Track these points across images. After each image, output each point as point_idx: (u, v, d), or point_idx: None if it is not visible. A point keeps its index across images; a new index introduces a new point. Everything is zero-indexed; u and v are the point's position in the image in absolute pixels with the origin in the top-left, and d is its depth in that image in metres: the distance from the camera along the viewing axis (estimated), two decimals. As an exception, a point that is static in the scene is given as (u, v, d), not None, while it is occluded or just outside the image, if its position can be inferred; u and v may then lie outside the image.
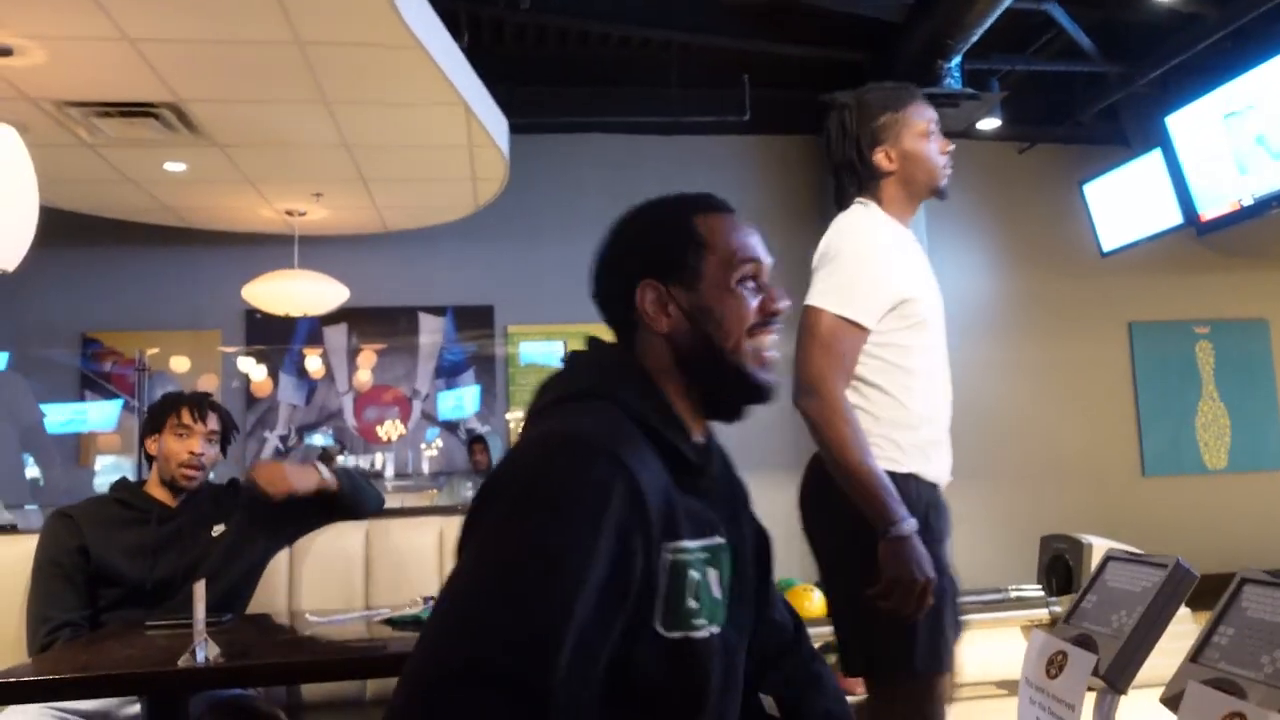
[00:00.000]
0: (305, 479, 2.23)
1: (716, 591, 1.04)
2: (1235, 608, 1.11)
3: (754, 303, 1.14)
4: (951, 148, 2.00)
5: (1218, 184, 5.45)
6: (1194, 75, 5.56)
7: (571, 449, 0.96)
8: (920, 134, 1.95)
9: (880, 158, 1.94)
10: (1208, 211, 5.51)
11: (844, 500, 1.77)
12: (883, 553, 1.69)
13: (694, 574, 1.00)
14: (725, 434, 1.29)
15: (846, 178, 2.00)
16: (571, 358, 1.17)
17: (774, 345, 1.16)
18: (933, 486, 1.90)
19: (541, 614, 0.86)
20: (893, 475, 1.78)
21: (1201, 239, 5.98)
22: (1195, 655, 1.15)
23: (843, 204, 1.99)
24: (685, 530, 1.01)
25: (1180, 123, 5.52)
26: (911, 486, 1.82)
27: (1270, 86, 4.98)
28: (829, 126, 2.02)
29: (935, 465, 1.92)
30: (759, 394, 1.15)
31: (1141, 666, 1.52)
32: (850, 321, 1.80)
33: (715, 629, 1.02)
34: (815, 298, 1.84)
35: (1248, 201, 5.29)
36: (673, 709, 0.99)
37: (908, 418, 1.87)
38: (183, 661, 1.61)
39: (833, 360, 1.79)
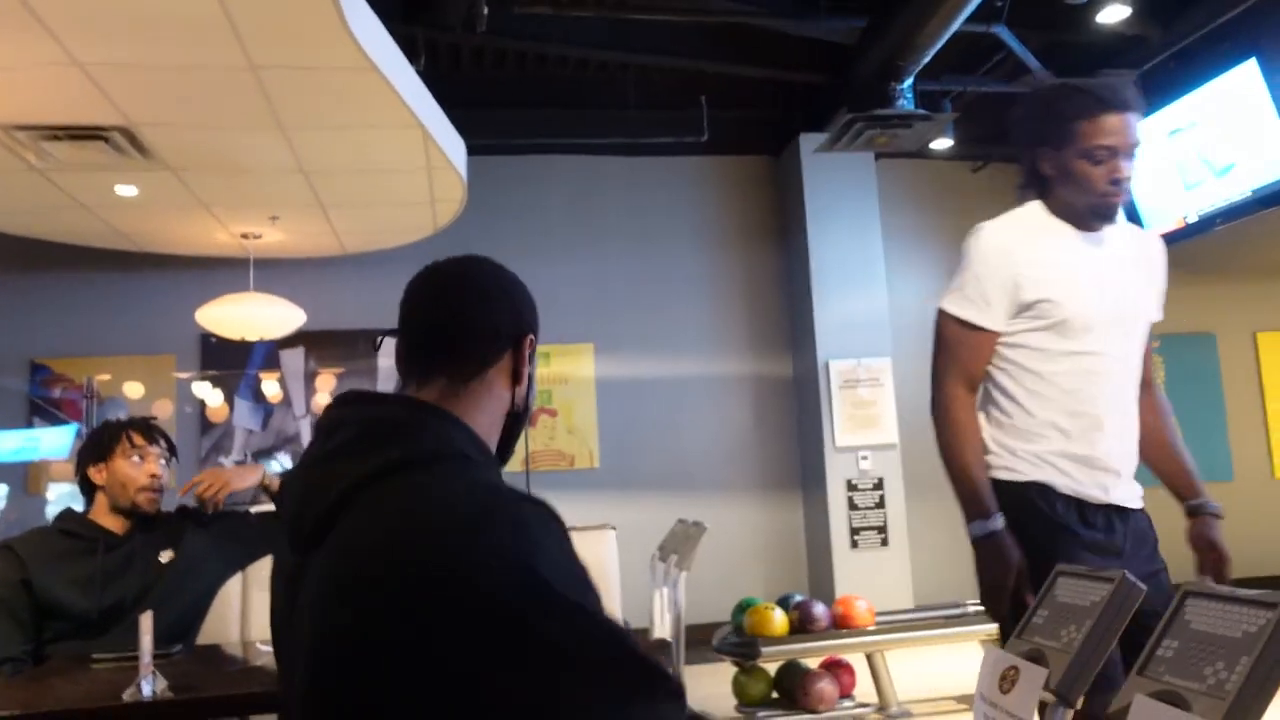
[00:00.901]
0: (247, 477, 2.21)
1: None
2: (1179, 620, 1.13)
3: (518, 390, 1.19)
4: (1122, 175, 1.83)
5: (1164, 200, 5.59)
6: (1139, 95, 5.69)
7: (507, 501, 0.95)
8: (1085, 151, 1.82)
9: (1045, 165, 1.88)
10: (1155, 227, 5.64)
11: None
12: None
13: None
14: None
15: (1024, 168, 1.94)
16: (365, 423, 1.05)
17: None
18: (1069, 500, 1.84)
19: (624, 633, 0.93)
20: (1012, 484, 1.81)
21: (1150, 255, 6.10)
22: (1141, 668, 1.15)
23: (1020, 193, 1.96)
24: None
25: (1126, 142, 5.65)
26: (1033, 496, 1.82)
27: (1212, 105, 5.12)
28: (1022, 107, 1.97)
29: (1076, 479, 1.84)
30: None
31: (1091, 680, 1.54)
32: (969, 324, 1.82)
33: None
34: (942, 300, 1.87)
35: (1193, 218, 5.42)
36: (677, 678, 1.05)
37: (1029, 425, 1.84)
38: (128, 696, 1.58)
39: (950, 362, 1.84)
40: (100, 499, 2.27)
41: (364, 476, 0.96)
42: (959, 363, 1.84)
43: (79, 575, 2.18)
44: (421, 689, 0.86)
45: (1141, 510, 1.92)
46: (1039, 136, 1.88)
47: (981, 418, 1.93)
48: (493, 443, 1.14)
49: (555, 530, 0.95)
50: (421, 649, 0.85)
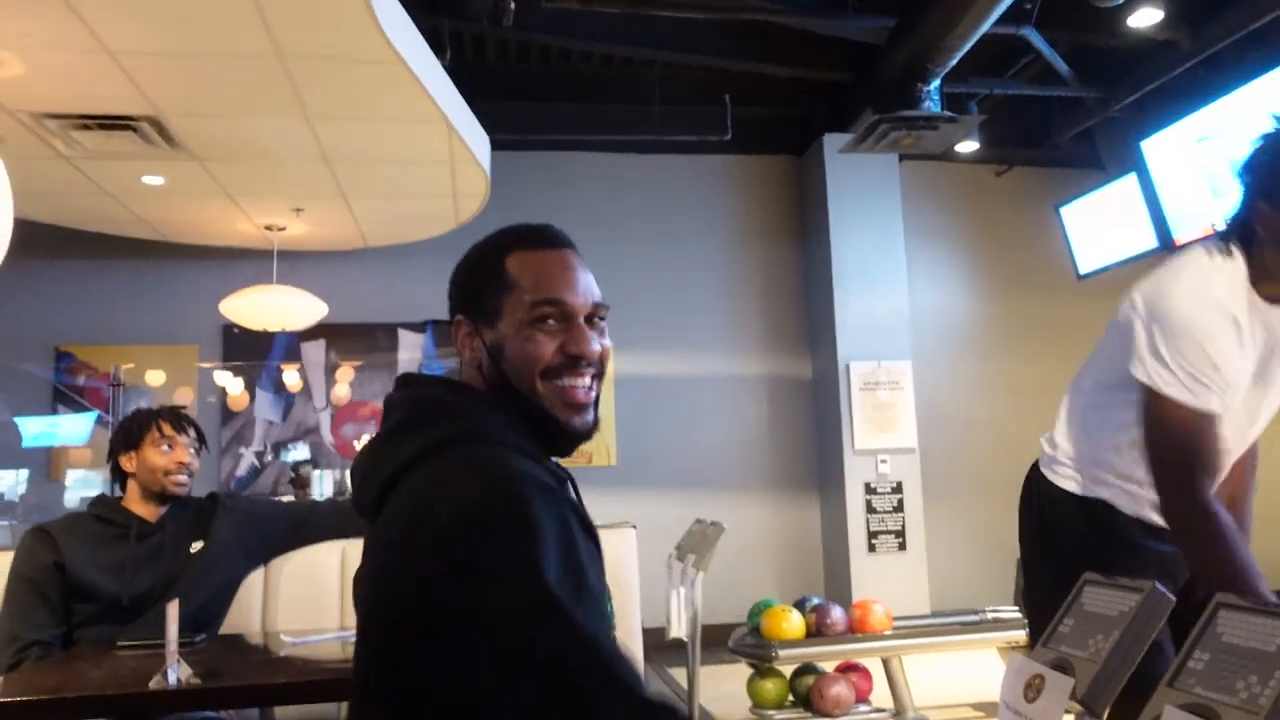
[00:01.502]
0: None
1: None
2: (1211, 633, 1.12)
3: (552, 345, 1.11)
4: None
5: (1192, 208, 5.53)
6: (1168, 100, 5.64)
7: (512, 495, 0.95)
8: None
9: (1260, 222, 1.66)
10: (1182, 235, 5.58)
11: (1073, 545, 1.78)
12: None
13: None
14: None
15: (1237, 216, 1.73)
16: (410, 406, 1.12)
17: (586, 385, 1.14)
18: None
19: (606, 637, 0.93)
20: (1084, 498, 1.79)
21: (1176, 262, 6.04)
22: (1172, 680, 1.13)
23: (1225, 232, 1.75)
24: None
25: (1155, 147, 5.59)
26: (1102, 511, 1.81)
27: (1242, 112, 5.06)
28: (1265, 151, 1.67)
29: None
30: (565, 434, 1.13)
31: (1118, 691, 1.52)
32: (1207, 414, 1.61)
33: (614, 628, 1.09)
34: (1161, 383, 1.62)
35: (1221, 225, 5.36)
36: (656, 693, 1.03)
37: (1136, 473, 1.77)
38: (154, 683, 1.59)
39: (1192, 458, 1.60)
40: (132, 486, 2.30)
41: (410, 457, 1.03)
42: (1204, 459, 1.61)
43: (111, 560, 2.21)
44: (420, 667, 0.94)
45: None
46: (1266, 190, 1.66)
47: (1077, 430, 1.88)
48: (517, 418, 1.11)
49: (560, 516, 0.96)
50: (426, 636, 0.93)
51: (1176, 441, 1.62)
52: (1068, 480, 1.90)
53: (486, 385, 1.11)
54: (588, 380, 1.13)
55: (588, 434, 1.14)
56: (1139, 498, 1.84)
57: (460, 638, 0.91)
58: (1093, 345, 2.12)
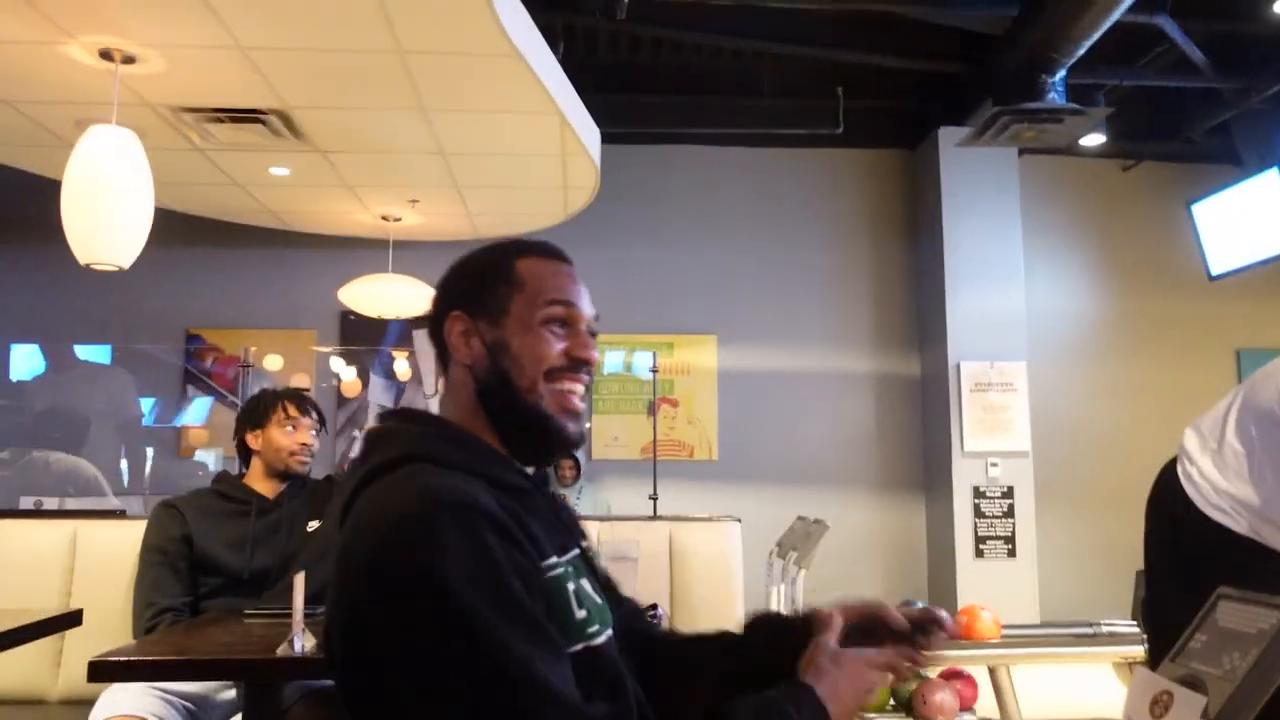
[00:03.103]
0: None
1: (596, 596, 1.09)
2: (1210, 619, 1.28)
3: (558, 346, 1.12)
4: None
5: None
6: (1315, 92, 5.30)
7: (425, 511, 0.95)
8: None
9: None
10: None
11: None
12: None
13: (571, 586, 1.04)
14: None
15: None
16: (372, 433, 1.16)
17: (580, 393, 1.14)
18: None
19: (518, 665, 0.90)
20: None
21: (1318, 264, 5.69)
22: (1174, 656, 1.32)
23: None
24: (548, 548, 1.04)
25: (1299, 141, 5.27)
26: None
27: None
28: None
29: None
30: (557, 438, 1.12)
31: (1256, 711, 1.46)
32: None
33: (608, 630, 1.07)
34: None
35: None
36: (604, 712, 0.99)
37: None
38: (281, 651, 1.66)
39: None
40: (256, 463, 2.40)
41: (357, 483, 1.06)
42: None
43: (233, 536, 2.31)
44: (349, 668, 0.98)
45: None
46: None
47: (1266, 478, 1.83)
48: (480, 427, 1.11)
49: (471, 530, 0.94)
50: (350, 636, 0.96)
51: None
52: (1224, 516, 1.83)
53: (477, 385, 1.12)
54: (581, 388, 1.14)
55: (577, 443, 1.15)
56: None
57: (379, 661, 0.93)
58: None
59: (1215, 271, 6.05)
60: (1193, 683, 1.62)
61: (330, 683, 2.17)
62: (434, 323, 1.17)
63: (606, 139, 5.02)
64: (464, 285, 1.16)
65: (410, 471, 1.01)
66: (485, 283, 1.14)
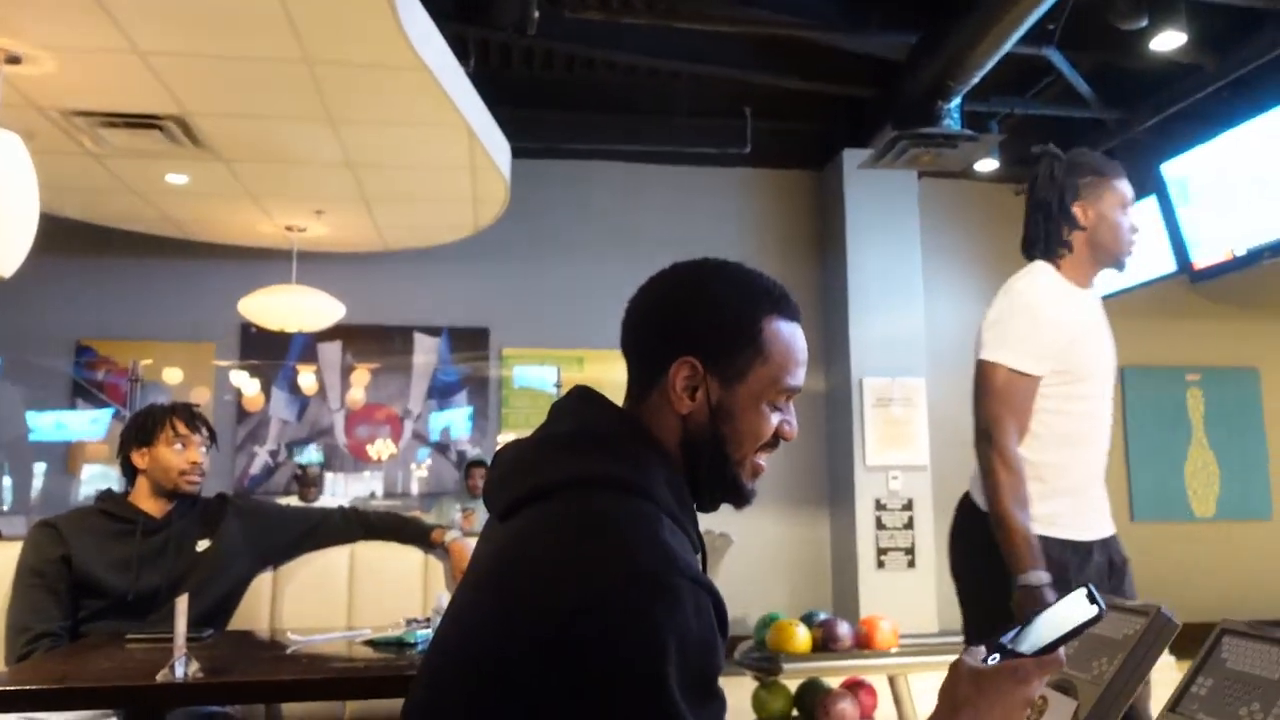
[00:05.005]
0: None
1: None
2: (1215, 658, 1.13)
3: (775, 422, 1.10)
4: (1139, 232, 2.16)
5: (1211, 233, 5.50)
6: (1191, 124, 5.61)
7: (669, 585, 0.89)
8: (1118, 204, 2.12)
9: (1078, 210, 2.10)
10: (1201, 259, 5.55)
11: (987, 544, 1.95)
12: (1015, 600, 1.86)
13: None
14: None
15: (1039, 225, 2.14)
16: (580, 424, 1.09)
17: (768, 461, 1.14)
18: (1076, 545, 2.02)
19: None
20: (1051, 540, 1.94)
21: (1194, 286, 6.02)
22: (1174, 705, 1.16)
23: (1028, 251, 2.15)
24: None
25: (1175, 171, 5.57)
26: (1052, 546, 1.96)
27: (1265, 138, 5.03)
28: (1038, 171, 2.18)
29: (1077, 527, 2.03)
30: (742, 502, 1.13)
31: (1121, 714, 1.53)
32: (1021, 373, 1.97)
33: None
34: (989, 352, 2.01)
35: (1240, 251, 5.33)
36: None
37: (1042, 488, 1.99)
38: (162, 676, 1.61)
39: (1006, 410, 1.96)
40: (141, 482, 2.31)
41: (560, 479, 1.00)
42: (1015, 411, 1.97)
43: (117, 556, 2.22)
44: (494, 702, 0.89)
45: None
46: (1080, 192, 2.13)
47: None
48: (679, 464, 1.07)
49: (699, 620, 0.90)
50: (523, 694, 0.88)
51: (996, 395, 2.01)
52: (977, 496, 2.14)
53: (681, 434, 1.07)
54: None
55: (749, 503, 1.15)
56: None
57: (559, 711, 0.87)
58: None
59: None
60: (1065, 687, 1.70)
61: (216, 708, 2.12)
62: (646, 349, 1.10)
63: (520, 154, 5.02)
64: (705, 333, 1.07)
65: (639, 513, 0.96)
66: (728, 338, 1.07)
